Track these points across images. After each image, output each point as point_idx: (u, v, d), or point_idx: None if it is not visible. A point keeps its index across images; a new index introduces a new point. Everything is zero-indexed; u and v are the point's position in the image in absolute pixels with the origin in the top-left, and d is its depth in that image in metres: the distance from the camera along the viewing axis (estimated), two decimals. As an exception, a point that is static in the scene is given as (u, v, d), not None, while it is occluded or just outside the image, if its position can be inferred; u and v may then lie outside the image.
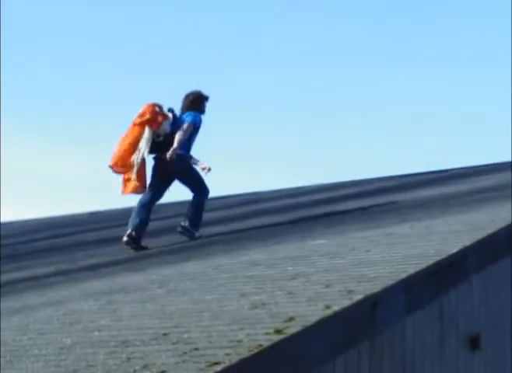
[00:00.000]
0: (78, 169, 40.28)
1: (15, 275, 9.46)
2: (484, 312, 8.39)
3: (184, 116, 11.06)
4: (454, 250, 6.63)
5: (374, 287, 5.64)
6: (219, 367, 4.24)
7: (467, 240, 6.97)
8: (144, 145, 10.73)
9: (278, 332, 4.77)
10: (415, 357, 6.96)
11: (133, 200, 11.25)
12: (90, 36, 44.72)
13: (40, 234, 14.90)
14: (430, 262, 6.28)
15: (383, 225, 9.16)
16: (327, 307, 5.24)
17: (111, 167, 11.04)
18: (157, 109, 10.94)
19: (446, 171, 13.85)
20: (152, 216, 11.12)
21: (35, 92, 44.44)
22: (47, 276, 9.28)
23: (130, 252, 10.61)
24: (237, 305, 5.76)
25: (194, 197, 11.12)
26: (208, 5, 45.44)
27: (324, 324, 4.99)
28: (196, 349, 4.69)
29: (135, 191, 11.06)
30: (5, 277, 9.19)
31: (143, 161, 10.94)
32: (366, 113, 46.52)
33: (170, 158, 10.73)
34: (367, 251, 7.52)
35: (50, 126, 44.40)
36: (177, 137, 10.78)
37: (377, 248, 7.64)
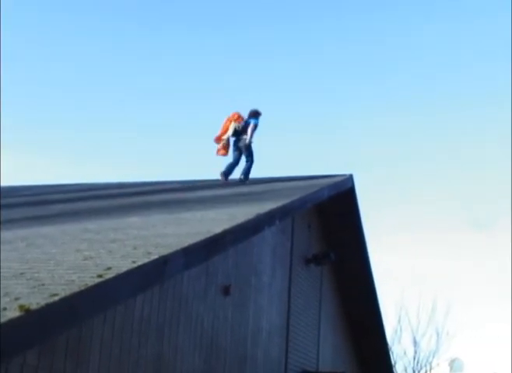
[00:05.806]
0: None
1: None
2: (234, 271, 8.52)
3: (250, 120, 13.12)
4: (218, 230, 6.63)
5: (166, 251, 5.56)
6: (57, 297, 4.09)
7: (226, 225, 6.99)
8: (231, 131, 13.07)
9: (99, 276, 4.64)
10: (188, 298, 6.98)
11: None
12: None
13: None
14: (202, 237, 6.25)
15: (175, 212, 9.11)
16: (134, 262, 5.12)
17: (215, 141, 13.22)
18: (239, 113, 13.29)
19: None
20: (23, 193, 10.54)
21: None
22: None
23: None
24: (74, 257, 5.55)
25: (247, 164, 13.09)
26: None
27: (129, 273, 4.88)
28: (43, 284, 4.51)
29: (222, 155, 13.23)
30: None
31: (228, 140, 13.16)
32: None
33: (248, 142, 13.02)
34: (164, 227, 7.47)
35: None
36: (250, 131, 12.99)
37: (170, 226, 7.60)
